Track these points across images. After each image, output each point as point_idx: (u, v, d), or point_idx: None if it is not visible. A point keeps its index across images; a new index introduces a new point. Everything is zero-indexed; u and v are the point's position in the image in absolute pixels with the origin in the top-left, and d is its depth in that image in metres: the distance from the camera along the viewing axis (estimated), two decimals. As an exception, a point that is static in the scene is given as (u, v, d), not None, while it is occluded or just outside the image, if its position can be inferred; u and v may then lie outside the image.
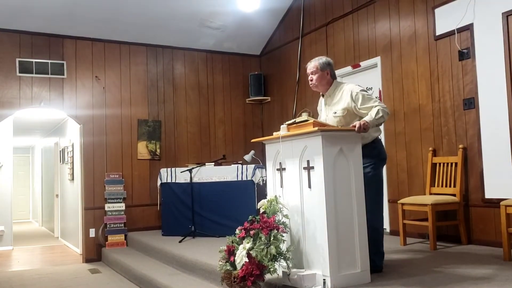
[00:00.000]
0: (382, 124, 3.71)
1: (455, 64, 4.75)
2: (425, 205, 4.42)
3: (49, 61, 6.59)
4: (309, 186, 3.33)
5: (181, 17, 6.87)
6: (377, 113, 3.37)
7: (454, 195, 4.58)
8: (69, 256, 7.58)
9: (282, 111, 7.50)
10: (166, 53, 7.44)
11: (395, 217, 5.13)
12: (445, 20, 4.83)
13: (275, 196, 3.52)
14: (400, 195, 5.21)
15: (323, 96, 3.72)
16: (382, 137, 5.52)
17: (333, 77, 3.67)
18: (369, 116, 3.37)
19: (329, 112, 3.62)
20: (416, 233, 5.00)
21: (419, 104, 5.14)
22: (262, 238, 3.25)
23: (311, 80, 3.61)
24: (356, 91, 3.49)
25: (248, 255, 3.24)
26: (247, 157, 6.21)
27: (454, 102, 4.76)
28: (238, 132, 7.91)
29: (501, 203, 3.83)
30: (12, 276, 5.91)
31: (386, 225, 5.51)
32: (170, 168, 6.41)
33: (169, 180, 6.33)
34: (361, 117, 3.44)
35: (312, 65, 3.62)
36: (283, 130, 3.56)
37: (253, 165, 5.89)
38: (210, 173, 6.11)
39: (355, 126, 3.24)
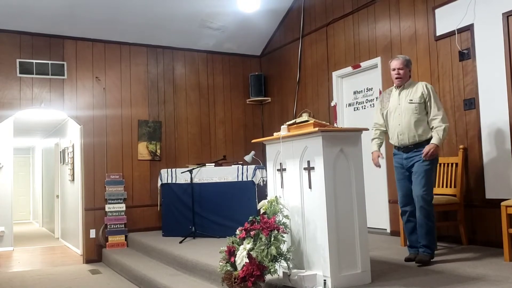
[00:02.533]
0: None
1: (456, 65, 4.75)
2: (426, 205, 4.40)
3: (50, 62, 6.60)
4: (310, 187, 3.33)
5: (182, 18, 6.87)
6: (444, 131, 3.83)
7: (454, 195, 4.58)
8: (70, 257, 7.58)
9: (283, 111, 7.50)
10: (166, 53, 7.45)
11: (396, 218, 5.13)
12: (446, 20, 4.83)
13: (276, 196, 3.53)
14: (400, 196, 5.21)
15: (397, 88, 4.07)
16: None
17: (410, 74, 4.13)
18: (437, 138, 3.83)
19: (403, 101, 3.99)
20: (416, 233, 4.99)
21: (420, 104, 5.13)
22: (263, 239, 3.25)
23: (399, 74, 4.01)
24: (429, 85, 3.98)
25: (249, 255, 3.24)
26: (247, 158, 6.21)
27: (455, 103, 4.76)
28: (239, 132, 7.91)
29: (502, 203, 3.83)
30: (12, 277, 5.91)
31: (387, 225, 5.51)
32: (170, 169, 6.41)
33: (169, 181, 6.33)
34: (427, 111, 3.92)
35: (400, 61, 4.03)
36: (283, 131, 3.56)
37: (253, 166, 5.89)
38: (210, 174, 6.11)
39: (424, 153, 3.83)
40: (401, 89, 4.05)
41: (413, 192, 3.90)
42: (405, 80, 4.03)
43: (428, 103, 3.91)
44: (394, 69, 4.03)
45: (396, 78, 4.04)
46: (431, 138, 3.86)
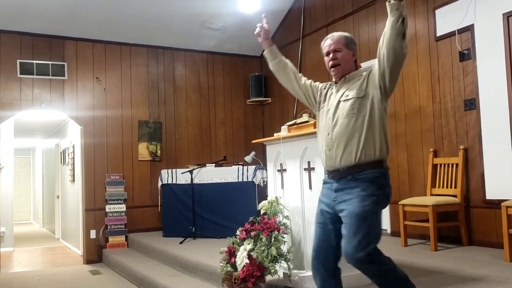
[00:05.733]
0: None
1: (456, 65, 4.75)
2: (426, 206, 4.41)
3: (50, 62, 6.60)
4: (310, 187, 3.33)
5: (182, 19, 6.87)
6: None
7: (455, 196, 4.58)
8: (70, 258, 7.58)
9: (283, 112, 7.49)
10: (167, 54, 7.45)
11: (396, 218, 5.13)
12: (446, 21, 4.83)
13: (276, 197, 3.53)
14: (401, 196, 5.21)
15: (336, 83, 2.65)
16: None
17: (356, 64, 2.64)
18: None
19: (335, 100, 2.55)
20: (417, 234, 4.99)
21: (420, 105, 5.14)
22: (263, 239, 3.25)
23: (335, 59, 2.55)
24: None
25: (249, 256, 3.24)
26: (247, 158, 6.20)
27: (455, 103, 4.76)
28: (239, 133, 7.91)
29: (502, 204, 3.82)
30: (13, 278, 5.91)
31: (387, 226, 5.51)
32: (170, 169, 6.41)
33: (169, 181, 6.33)
34: (371, 111, 2.42)
35: (335, 40, 2.58)
36: (283, 131, 3.56)
37: (253, 166, 5.89)
38: (210, 174, 6.10)
39: None
40: (341, 83, 2.59)
41: (342, 249, 2.36)
42: (346, 68, 2.56)
43: (377, 75, 2.44)
44: (327, 53, 2.59)
45: (332, 67, 2.57)
46: (380, 161, 2.39)
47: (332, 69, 2.59)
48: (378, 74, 2.42)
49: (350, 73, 2.57)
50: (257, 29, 2.93)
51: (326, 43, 2.62)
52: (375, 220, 2.34)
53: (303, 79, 2.90)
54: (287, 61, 2.98)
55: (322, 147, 2.56)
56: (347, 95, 2.48)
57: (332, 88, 2.67)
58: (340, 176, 2.44)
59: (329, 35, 2.65)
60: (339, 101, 2.51)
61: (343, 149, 2.42)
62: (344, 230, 2.35)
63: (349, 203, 2.36)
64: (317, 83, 2.85)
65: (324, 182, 2.60)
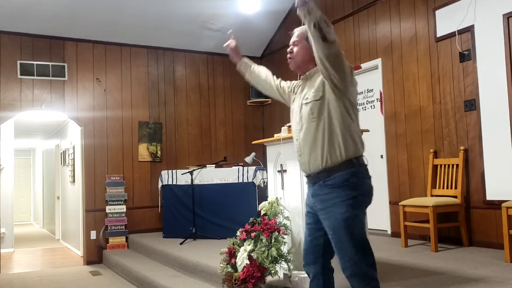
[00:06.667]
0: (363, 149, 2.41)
1: (456, 66, 4.75)
2: (426, 207, 4.41)
3: (50, 63, 6.60)
4: (310, 188, 3.32)
5: (182, 19, 6.88)
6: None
7: (455, 196, 4.58)
8: (70, 258, 7.57)
9: (283, 112, 7.49)
10: (167, 55, 7.45)
11: (396, 219, 5.13)
12: (446, 21, 4.83)
13: (276, 198, 3.53)
14: (401, 197, 5.21)
15: (299, 78, 2.60)
16: (382, 139, 5.59)
17: None
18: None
19: (299, 102, 2.46)
20: (417, 235, 4.99)
21: (420, 105, 5.14)
22: (263, 240, 3.25)
23: (291, 53, 2.49)
24: None
25: (249, 257, 3.24)
26: (248, 159, 6.20)
27: (455, 104, 4.76)
28: (239, 134, 7.91)
29: (503, 204, 3.82)
30: (13, 279, 5.91)
31: (387, 227, 5.51)
32: (171, 170, 6.41)
33: (170, 182, 6.33)
34: (328, 112, 2.32)
35: (295, 33, 2.51)
36: (284, 132, 3.56)
37: (254, 167, 5.89)
38: (211, 175, 6.11)
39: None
40: (304, 81, 2.52)
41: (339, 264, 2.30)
42: (301, 62, 2.47)
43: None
44: (288, 45, 2.53)
45: (288, 61, 2.52)
46: (349, 161, 2.28)
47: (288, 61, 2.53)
48: (324, 76, 2.31)
49: (310, 70, 2.46)
50: (228, 48, 2.93)
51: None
52: (357, 226, 2.24)
53: (278, 80, 2.85)
54: (261, 68, 2.94)
55: (295, 152, 2.51)
56: (307, 98, 2.40)
57: (299, 86, 2.57)
58: (313, 181, 2.38)
59: (298, 27, 2.53)
60: (301, 104, 2.43)
61: (309, 155, 2.36)
62: (332, 242, 2.29)
63: (327, 214, 2.29)
64: (288, 82, 2.79)
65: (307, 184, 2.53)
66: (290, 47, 2.49)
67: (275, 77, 2.88)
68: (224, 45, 2.89)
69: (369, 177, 2.36)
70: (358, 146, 2.32)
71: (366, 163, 2.36)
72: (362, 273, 2.21)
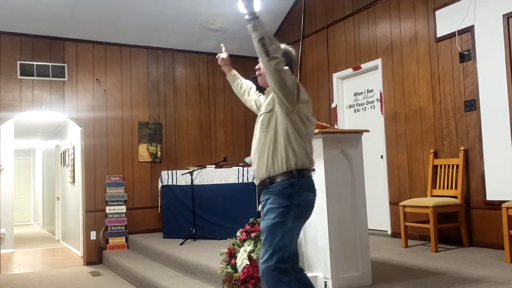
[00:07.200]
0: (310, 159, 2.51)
1: (456, 66, 4.75)
2: (427, 207, 4.41)
3: (50, 63, 6.60)
4: (310, 189, 3.33)
5: (182, 20, 6.88)
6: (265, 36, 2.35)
7: (455, 197, 4.57)
8: (70, 259, 7.57)
9: (283, 113, 7.49)
10: (167, 55, 7.45)
11: (397, 219, 5.13)
12: (446, 22, 4.83)
13: (276, 198, 3.52)
14: (401, 197, 5.21)
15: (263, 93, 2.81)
16: (382, 139, 5.59)
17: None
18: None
19: (259, 113, 2.65)
20: (417, 235, 4.99)
21: (420, 106, 5.14)
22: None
23: (258, 70, 2.64)
24: None
25: (249, 257, 3.24)
26: (248, 159, 6.20)
27: (455, 104, 4.76)
28: (239, 134, 7.91)
29: (503, 205, 3.82)
30: (13, 279, 5.91)
31: (388, 227, 5.51)
32: (171, 171, 6.40)
33: (170, 183, 6.32)
34: (275, 125, 2.48)
35: None
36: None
37: (254, 168, 5.88)
38: (211, 176, 6.10)
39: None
40: (265, 96, 2.71)
41: None
42: (265, 80, 2.55)
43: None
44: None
45: (258, 75, 2.70)
46: (290, 172, 2.40)
47: None
48: (273, 91, 2.45)
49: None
50: (219, 59, 3.21)
51: None
52: (281, 232, 2.33)
53: (256, 95, 3.02)
54: (247, 82, 3.14)
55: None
56: (261, 110, 2.60)
57: (263, 99, 2.80)
58: (261, 188, 2.52)
59: None
60: (258, 115, 2.61)
61: (258, 164, 2.50)
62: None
63: (263, 218, 2.44)
64: (259, 95, 3.00)
65: None
66: (258, 64, 2.61)
67: (257, 92, 3.04)
68: (217, 56, 3.15)
69: (310, 190, 2.48)
70: (300, 159, 2.43)
71: (309, 175, 2.49)
72: (268, 272, 2.32)
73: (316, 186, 2.53)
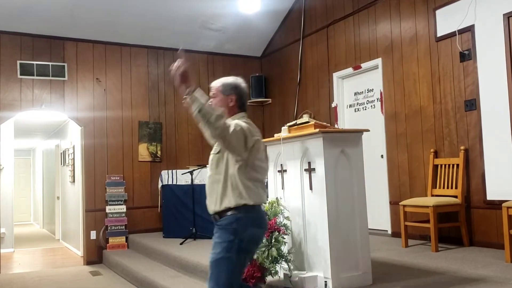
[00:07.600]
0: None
1: (456, 66, 4.75)
2: (427, 206, 4.41)
3: (50, 63, 6.60)
4: (311, 188, 3.33)
5: (182, 19, 6.87)
6: (209, 111, 2.34)
7: (455, 196, 4.57)
8: (70, 258, 7.57)
9: (283, 112, 7.49)
10: (167, 55, 7.45)
11: (397, 219, 5.13)
12: (446, 21, 4.83)
13: (276, 198, 3.53)
14: (401, 197, 5.21)
15: None
16: (382, 139, 5.58)
17: (241, 108, 2.65)
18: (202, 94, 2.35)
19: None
20: (417, 235, 4.99)
21: (420, 105, 5.14)
22: (263, 240, 3.25)
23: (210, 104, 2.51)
24: (242, 122, 2.52)
25: (249, 257, 3.24)
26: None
27: (456, 104, 4.75)
28: (239, 134, 7.89)
29: (503, 204, 3.82)
30: (13, 279, 5.91)
31: (388, 227, 5.50)
32: (171, 170, 6.40)
33: (170, 182, 6.32)
34: (226, 163, 2.52)
35: (214, 85, 2.69)
36: (284, 132, 3.56)
37: (254, 167, 5.87)
38: (211, 175, 6.09)
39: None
40: None
41: None
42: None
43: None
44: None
45: None
46: (237, 207, 2.45)
47: None
48: None
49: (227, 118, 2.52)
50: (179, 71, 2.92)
51: None
52: (226, 268, 2.40)
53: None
54: None
55: None
56: (213, 149, 2.64)
57: None
58: (213, 221, 2.57)
59: (214, 81, 2.73)
60: (210, 154, 2.66)
61: (208, 199, 2.58)
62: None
63: (211, 251, 2.48)
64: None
65: None
66: (211, 99, 2.63)
67: None
68: (174, 67, 2.40)
69: (258, 226, 2.53)
70: (250, 196, 2.47)
71: (258, 210, 2.54)
72: None
73: (265, 221, 2.62)
